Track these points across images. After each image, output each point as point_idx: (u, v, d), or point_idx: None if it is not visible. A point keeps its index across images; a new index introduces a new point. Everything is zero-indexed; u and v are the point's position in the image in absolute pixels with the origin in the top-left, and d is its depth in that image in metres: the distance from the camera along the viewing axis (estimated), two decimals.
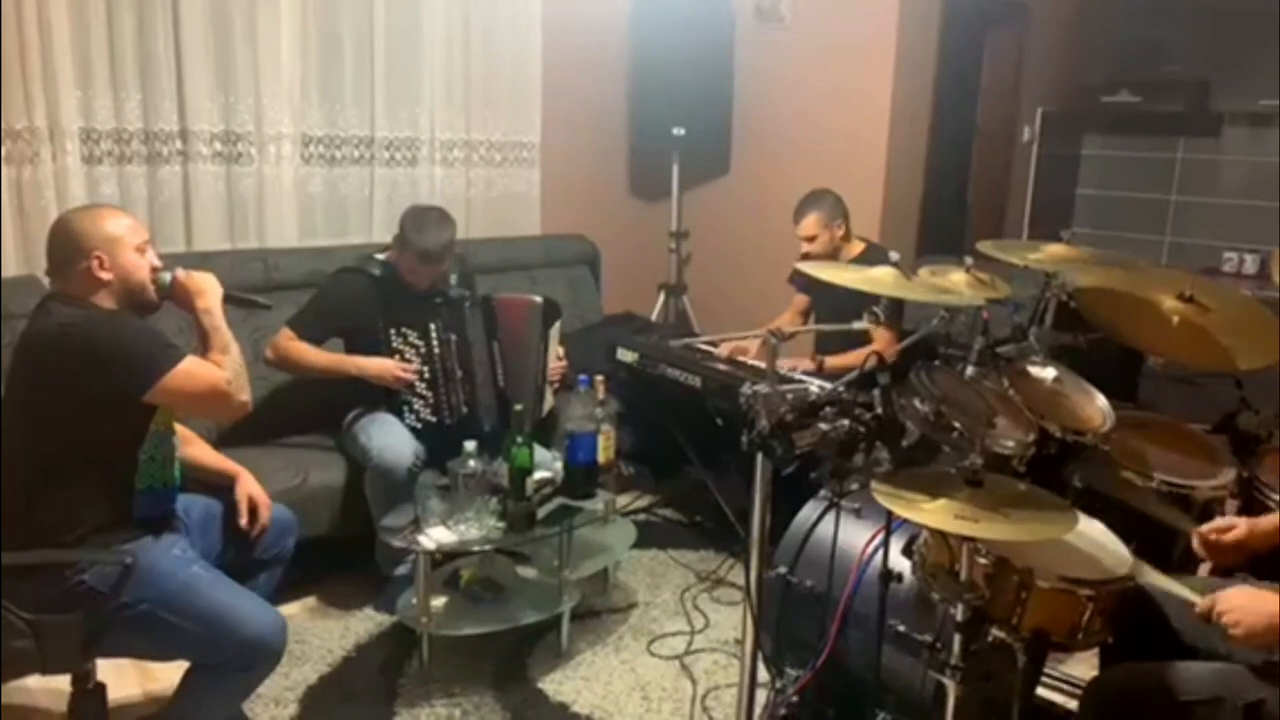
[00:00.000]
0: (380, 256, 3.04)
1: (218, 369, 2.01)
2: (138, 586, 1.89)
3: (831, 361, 3.30)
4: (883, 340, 3.07)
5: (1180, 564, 2.03)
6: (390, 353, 2.95)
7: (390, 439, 2.86)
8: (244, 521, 2.23)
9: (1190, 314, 2.14)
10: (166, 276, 2.09)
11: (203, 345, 2.07)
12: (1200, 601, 1.62)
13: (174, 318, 2.69)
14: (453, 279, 3.12)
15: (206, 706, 2.03)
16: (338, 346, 3.06)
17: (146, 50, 3.18)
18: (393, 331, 2.95)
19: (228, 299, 2.15)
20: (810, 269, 2.09)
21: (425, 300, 3.02)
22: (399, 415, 2.96)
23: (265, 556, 2.30)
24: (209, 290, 2.11)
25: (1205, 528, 1.85)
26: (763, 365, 1.85)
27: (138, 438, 2.01)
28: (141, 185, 3.26)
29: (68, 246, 1.97)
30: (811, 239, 3.44)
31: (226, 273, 3.21)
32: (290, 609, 2.88)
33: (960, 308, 2.11)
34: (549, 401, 3.12)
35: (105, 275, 1.97)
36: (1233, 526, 1.82)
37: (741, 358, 3.32)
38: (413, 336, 2.97)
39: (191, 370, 1.96)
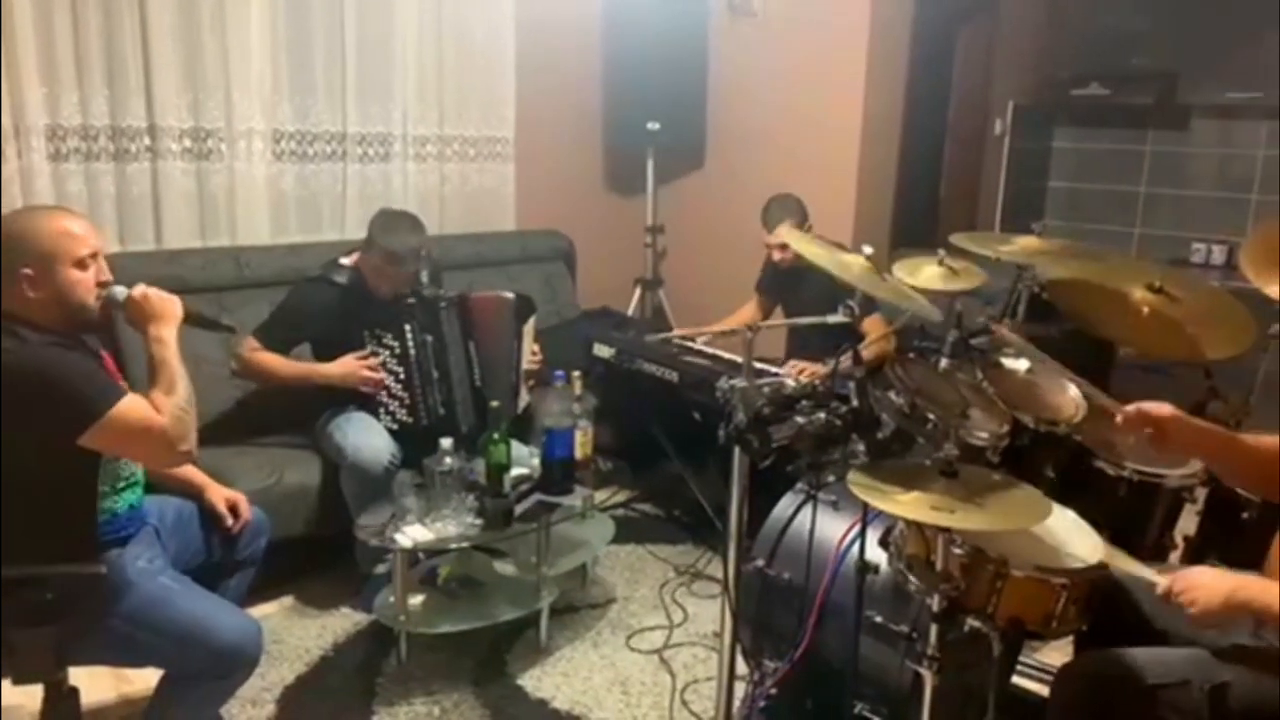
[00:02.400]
0: (345, 262, 3.01)
1: (155, 415, 1.81)
2: (105, 602, 1.85)
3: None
4: (876, 328, 3.07)
5: (1150, 555, 2.06)
6: (366, 357, 2.93)
7: (366, 437, 2.84)
8: (229, 523, 2.21)
9: (1160, 304, 2.17)
10: (119, 292, 1.92)
11: (149, 378, 1.88)
12: (1161, 581, 1.64)
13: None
14: (424, 276, 3.09)
15: (182, 713, 2.00)
16: (306, 352, 3.03)
17: (113, 45, 3.13)
18: (367, 334, 2.93)
19: (189, 319, 2.00)
20: (794, 240, 2.07)
21: (398, 301, 2.99)
22: (374, 416, 2.94)
23: (238, 558, 2.27)
24: (166, 315, 1.93)
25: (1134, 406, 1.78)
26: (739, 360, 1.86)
27: (91, 469, 1.89)
28: (109, 182, 3.22)
29: (3, 256, 1.83)
30: (786, 246, 3.44)
31: (197, 271, 3.21)
32: (267, 609, 2.86)
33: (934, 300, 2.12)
34: (524, 398, 3.11)
35: (34, 294, 1.82)
36: (1164, 406, 1.75)
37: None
38: (388, 339, 2.95)
39: (126, 416, 1.78)
